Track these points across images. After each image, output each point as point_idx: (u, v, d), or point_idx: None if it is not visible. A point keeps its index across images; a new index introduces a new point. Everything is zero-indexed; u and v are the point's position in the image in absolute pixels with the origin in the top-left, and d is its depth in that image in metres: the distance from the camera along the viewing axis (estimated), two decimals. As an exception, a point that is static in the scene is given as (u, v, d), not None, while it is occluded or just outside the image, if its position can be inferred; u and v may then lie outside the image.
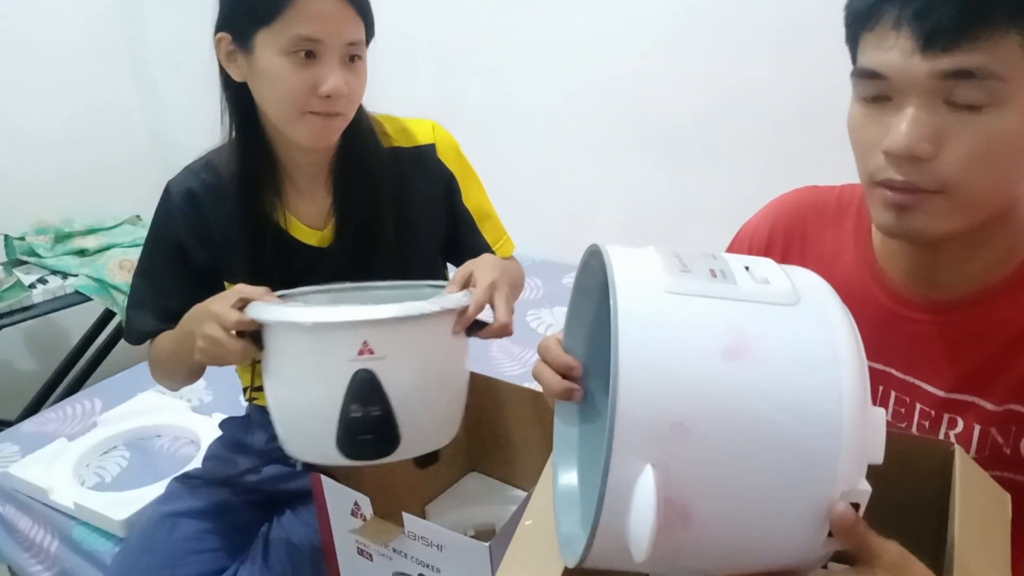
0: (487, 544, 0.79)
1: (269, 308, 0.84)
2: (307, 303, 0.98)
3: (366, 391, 0.81)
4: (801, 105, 1.87)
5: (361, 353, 0.80)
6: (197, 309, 0.94)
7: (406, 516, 0.85)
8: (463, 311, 0.87)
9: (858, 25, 0.69)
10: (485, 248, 1.18)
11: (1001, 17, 0.60)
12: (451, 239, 1.18)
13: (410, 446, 0.86)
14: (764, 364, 0.49)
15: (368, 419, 0.81)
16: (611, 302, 0.50)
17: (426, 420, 0.88)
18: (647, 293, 0.51)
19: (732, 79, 1.97)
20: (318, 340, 0.82)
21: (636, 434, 0.47)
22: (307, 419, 0.86)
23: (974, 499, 0.59)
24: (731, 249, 0.97)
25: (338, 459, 0.83)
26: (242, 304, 0.86)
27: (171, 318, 1.09)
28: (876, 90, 0.67)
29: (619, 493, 0.48)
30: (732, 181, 2.05)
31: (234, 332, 0.85)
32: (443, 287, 0.96)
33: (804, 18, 1.79)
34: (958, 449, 0.62)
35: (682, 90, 2.06)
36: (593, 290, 0.66)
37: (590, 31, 2.14)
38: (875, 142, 0.68)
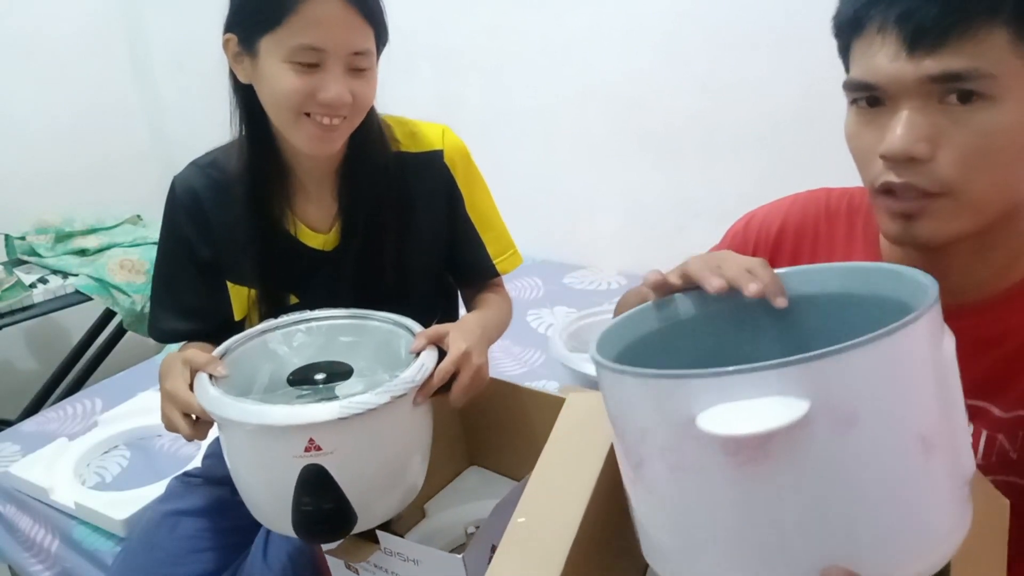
0: (460, 556, 0.79)
1: (213, 400, 0.83)
2: (265, 346, 0.96)
3: (316, 485, 0.80)
4: (800, 105, 1.87)
5: (308, 450, 0.79)
6: (163, 369, 0.94)
7: (380, 534, 0.85)
8: (426, 381, 0.85)
9: (846, 34, 0.70)
10: (486, 262, 1.16)
11: (982, 13, 0.60)
12: (452, 249, 1.16)
13: (368, 521, 0.86)
14: None
15: (321, 511, 0.81)
16: None
17: (384, 498, 0.88)
18: None
19: (731, 79, 1.98)
20: (263, 439, 0.81)
21: None
22: (263, 502, 0.87)
23: (974, 506, 0.59)
24: (730, 239, 0.95)
25: (296, 536, 0.85)
26: (192, 374, 0.88)
27: (189, 314, 1.10)
28: (869, 98, 0.68)
29: None
30: (731, 180, 2.05)
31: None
32: (410, 329, 0.94)
33: (803, 18, 1.79)
34: None
35: (681, 90, 2.06)
36: None
37: (589, 31, 2.14)
38: (872, 148, 0.68)
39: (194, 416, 0.87)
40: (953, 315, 0.76)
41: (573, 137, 2.29)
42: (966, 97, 0.63)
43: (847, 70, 0.71)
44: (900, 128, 0.65)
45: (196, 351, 0.90)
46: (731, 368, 0.46)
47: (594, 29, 2.13)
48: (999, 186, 0.66)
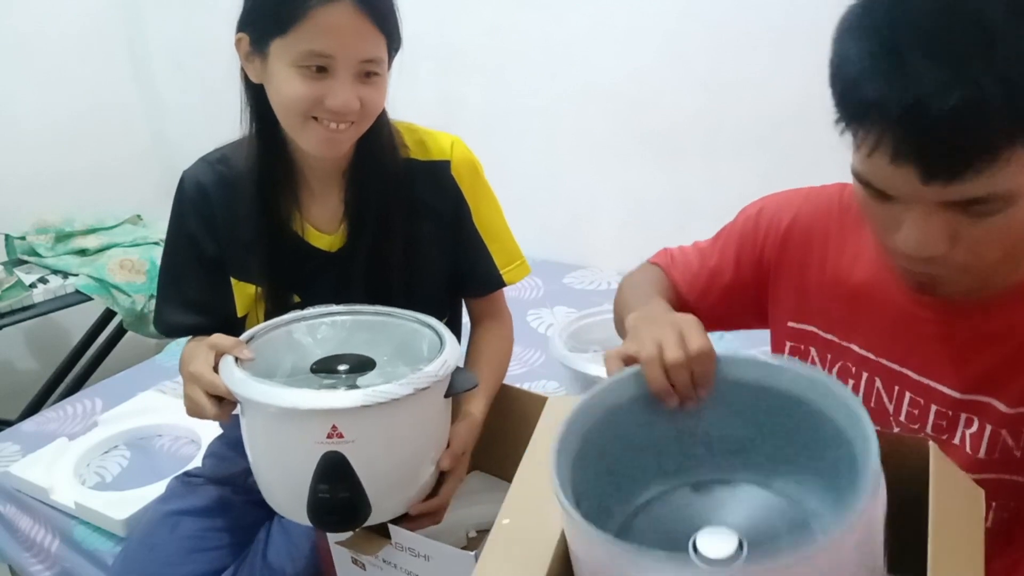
0: (472, 553, 0.80)
1: (239, 382, 0.83)
2: (290, 336, 0.97)
3: (335, 473, 0.81)
4: (801, 104, 1.85)
5: (330, 436, 0.79)
6: (185, 355, 0.95)
7: (392, 528, 0.85)
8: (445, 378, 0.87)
9: (853, 127, 0.65)
10: (493, 272, 1.15)
11: (1001, 139, 0.58)
12: (458, 258, 1.15)
13: (380, 515, 0.86)
14: None
15: (336, 500, 0.82)
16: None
17: (398, 493, 0.88)
18: None
19: (732, 78, 1.97)
20: (286, 423, 0.81)
21: None
22: (280, 487, 0.88)
23: (949, 496, 0.60)
24: (742, 223, 0.96)
25: (309, 523, 0.85)
26: (218, 357, 0.89)
27: (194, 308, 1.10)
28: (881, 197, 0.66)
29: None
30: (732, 180, 2.04)
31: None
32: (434, 328, 0.95)
33: (803, 17, 1.79)
34: (932, 446, 0.63)
35: (682, 89, 2.06)
36: None
37: (590, 30, 2.14)
38: (884, 224, 0.68)
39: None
40: (958, 311, 0.76)
41: (574, 136, 2.29)
42: (985, 210, 0.62)
43: (848, 130, 0.66)
44: (915, 231, 0.64)
45: (221, 336, 0.91)
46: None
47: (595, 28, 2.13)
48: (1014, 255, 0.71)
